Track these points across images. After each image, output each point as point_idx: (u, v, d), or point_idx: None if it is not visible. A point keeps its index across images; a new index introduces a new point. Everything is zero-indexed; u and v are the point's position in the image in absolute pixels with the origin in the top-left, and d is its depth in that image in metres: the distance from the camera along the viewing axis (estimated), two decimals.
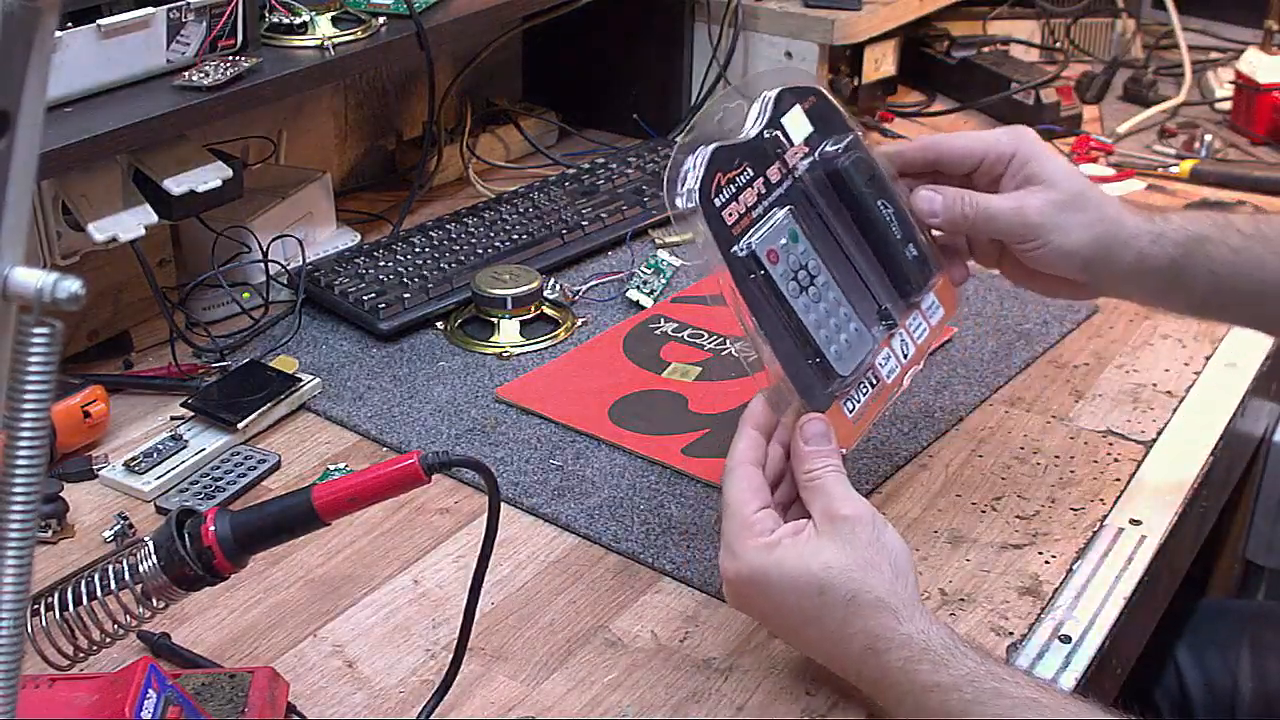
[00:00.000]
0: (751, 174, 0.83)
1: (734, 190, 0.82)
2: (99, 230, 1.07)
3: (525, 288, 1.22)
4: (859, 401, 0.86)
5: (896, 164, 0.92)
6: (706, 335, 1.21)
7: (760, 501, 0.79)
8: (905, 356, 0.90)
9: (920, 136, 0.94)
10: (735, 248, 0.80)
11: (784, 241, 0.83)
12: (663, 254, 1.31)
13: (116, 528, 0.94)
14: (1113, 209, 0.90)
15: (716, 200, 0.80)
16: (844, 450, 0.82)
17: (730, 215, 0.81)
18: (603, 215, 1.39)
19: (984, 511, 0.98)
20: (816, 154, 0.89)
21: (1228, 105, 1.77)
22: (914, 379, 0.91)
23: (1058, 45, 1.95)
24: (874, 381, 0.87)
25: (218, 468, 1.02)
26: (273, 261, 1.24)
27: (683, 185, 0.80)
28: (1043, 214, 0.88)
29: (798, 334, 0.82)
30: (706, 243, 0.79)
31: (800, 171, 0.87)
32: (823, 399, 0.83)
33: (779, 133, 0.87)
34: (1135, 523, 0.98)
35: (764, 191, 0.84)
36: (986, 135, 0.91)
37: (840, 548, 0.75)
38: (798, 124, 0.88)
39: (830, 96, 0.92)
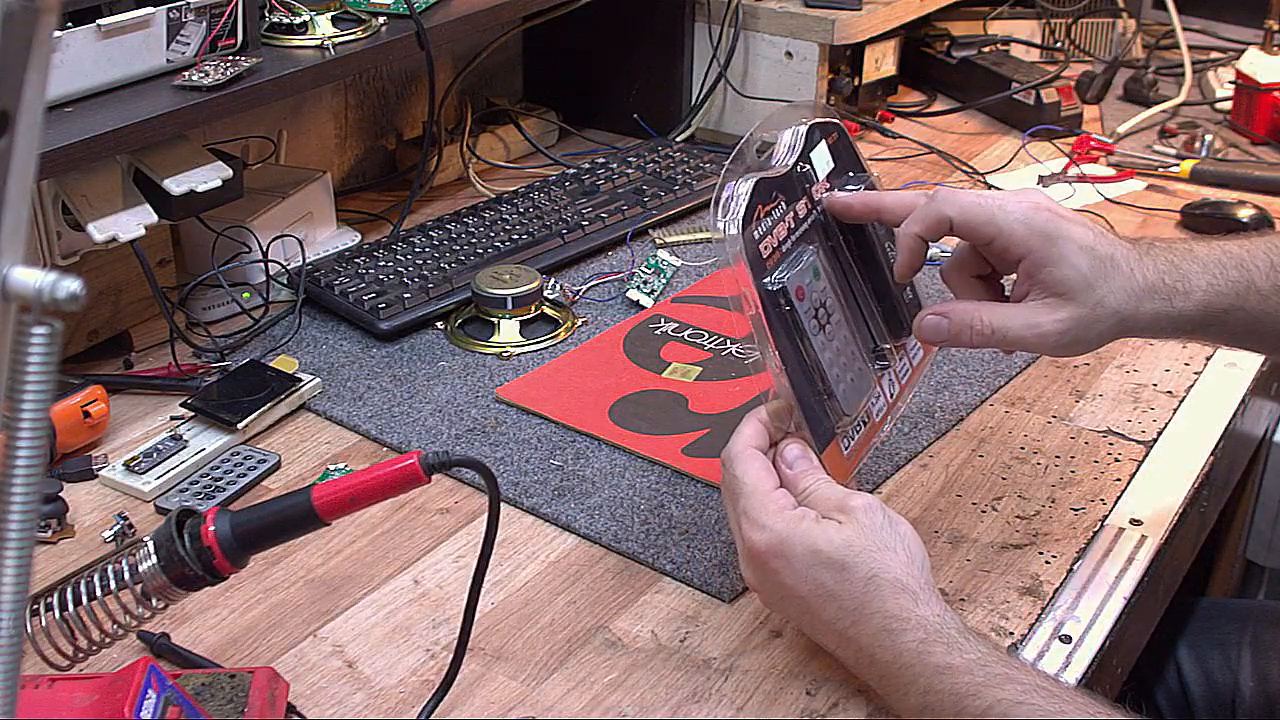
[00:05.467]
0: (784, 207, 0.85)
1: (769, 224, 0.83)
2: (99, 230, 1.07)
3: (525, 288, 1.22)
4: (853, 439, 0.87)
5: (925, 227, 0.86)
6: (707, 335, 1.21)
7: (775, 481, 0.80)
8: (891, 396, 0.92)
9: (935, 194, 0.85)
10: (768, 280, 0.82)
11: (809, 279, 0.84)
12: (663, 254, 1.31)
13: (116, 528, 0.94)
14: (1129, 300, 0.83)
15: (755, 232, 0.81)
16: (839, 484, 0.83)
17: (765, 248, 0.82)
18: (603, 215, 1.39)
19: (984, 511, 0.98)
20: (836, 191, 0.90)
21: (1228, 105, 1.77)
22: (895, 420, 0.93)
23: (1058, 45, 1.95)
24: (866, 421, 0.88)
25: (218, 468, 1.02)
26: (273, 261, 1.24)
27: (725, 214, 0.81)
28: (1061, 336, 0.83)
29: (813, 370, 0.84)
30: (742, 273, 0.80)
31: (823, 207, 0.89)
32: (826, 434, 0.84)
33: (809, 167, 0.88)
34: (1135, 523, 0.98)
35: (793, 226, 0.85)
36: (1002, 221, 0.83)
37: (858, 531, 0.77)
38: (822, 159, 0.90)
39: (849, 135, 0.93)
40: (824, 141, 0.90)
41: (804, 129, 0.89)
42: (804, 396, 0.83)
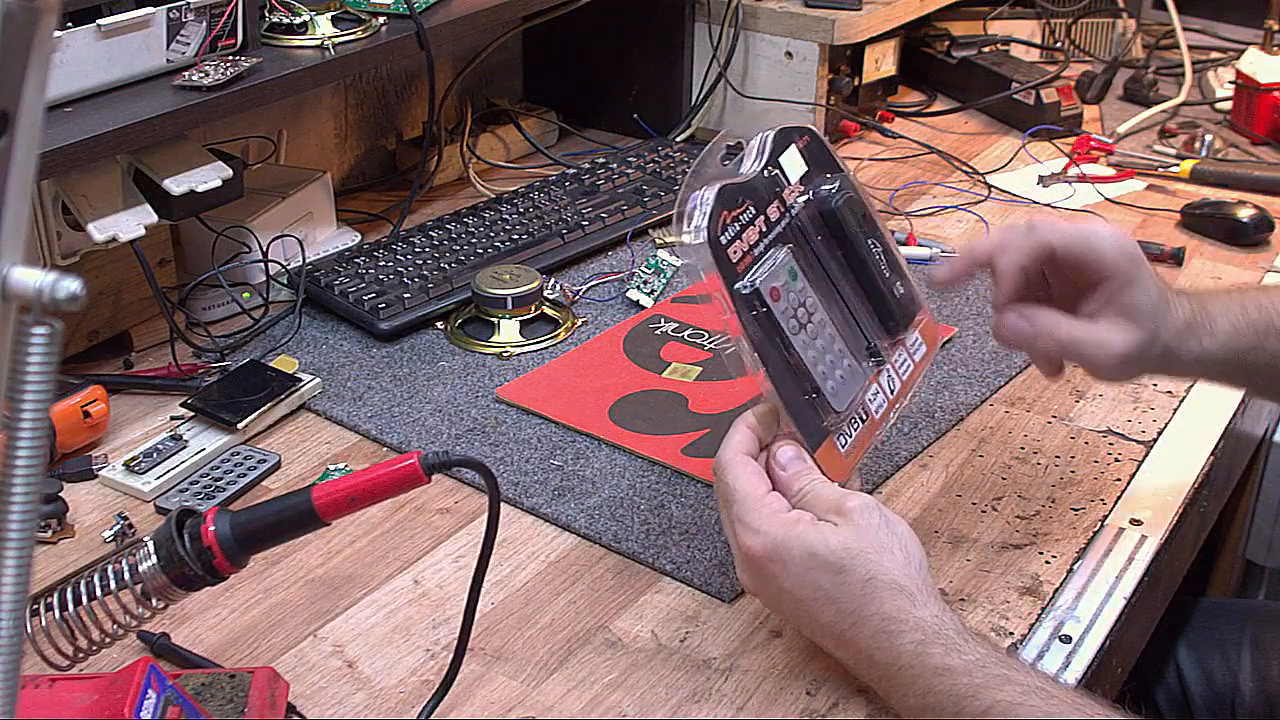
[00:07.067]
0: (753, 212, 0.85)
1: (738, 228, 0.83)
2: (99, 230, 1.07)
3: (525, 288, 1.22)
4: (850, 436, 0.87)
5: (1030, 257, 0.89)
6: (707, 335, 1.21)
7: (767, 486, 0.80)
8: (892, 392, 0.92)
9: (1034, 225, 0.89)
10: (740, 284, 0.82)
11: (784, 280, 0.85)
12: (663, 254, 1.31)
13: (116, 528, 0.94)
14: (1176, 335, 0.89)
15: (723, 238, 0.82)
16: (838, 482, 0.83)
17: (735, 253, 0.82)
18: (603, 215, 1.39)
19: (984, 511, 0.98)
20: (811, 193, 0.90)
21: (1228, 105, 1.77)
22: (898, 414, 0.93)
23: (1058, 45, 1.95)
24: (864, 417, 0.88)
25: (218, 468, 1.02)
26: (273, 261, 1.24)
27: (690, 223, 0.81)
28: (1125, 357, 0.88)
29: (796, 370, 0.84)
30: (713, 279, 0.81)
31: (796, 210, 0.89)
32: (818, 433, 0.84)
33: (778, 171, 0.89)
34: (1135, 523, 0.98)
35: (764, 230, 0.85)
36: (1096, 244, 0.88)
37: (856, 532, 0.77)
38: (794, 163, 0.90)
39: (822, 136, 0.93)
40: (794, 146, 0.90)
41: (770, 134, 0.89)
42: (790, 397, 0.83)
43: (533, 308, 1.23)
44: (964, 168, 1.61)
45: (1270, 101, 1.67)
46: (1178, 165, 1.58)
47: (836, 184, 0.91)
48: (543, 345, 1.20)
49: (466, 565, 0.92)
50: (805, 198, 0.90)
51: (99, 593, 0.71)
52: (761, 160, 0.88)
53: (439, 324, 1.24)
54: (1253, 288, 0.94)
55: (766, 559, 0.78)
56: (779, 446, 0.82)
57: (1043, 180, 1.56)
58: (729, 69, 1.64)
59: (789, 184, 0.89)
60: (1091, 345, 0.88)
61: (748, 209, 0.84)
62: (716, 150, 0.87)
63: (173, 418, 1.09)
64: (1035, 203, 1.51)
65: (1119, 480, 1.02)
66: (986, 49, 1.88)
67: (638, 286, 1.28)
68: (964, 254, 0.92)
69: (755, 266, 0.83)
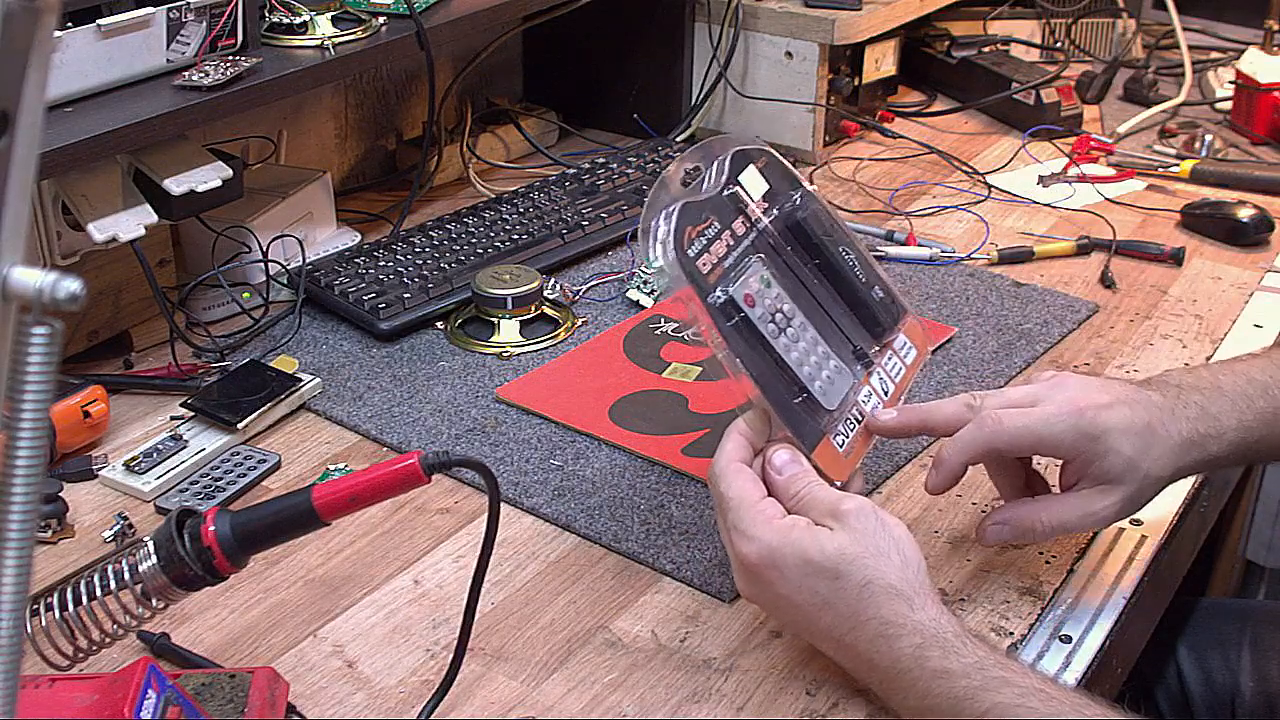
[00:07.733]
0: (719, 227, 0.86)
1: (705, 242, 0.84)
2: (99, 230, 1.07)
3: (525, 288, 1.22)
4: (847, 436, 0.87)
5: (975, 456, 0.87)
6: None
7: (762, 492, 0.80)
8: (886, 394, 0.92)
9: (981, 423, 0.86)
10: (712, 295, 0.82)
11: (758, 287, 0.85)
12: None
13: (116, 528, 0.94)
14: (1170, 462, 0.86)
15: (690, 251, 0.83)
16: (838, 482, 0.83)
17: (704, 265, 0.83)
18: (603, 215, 1.39)
19: (984, 511, 0.98)
20: (776, 208, 0.91)
21: (1228, 105, 1.77)
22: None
23: (1058, 45, 1.95)
24: (859, 418, 0.89)
25: (218, 468, 1.02)
26: (273, 261, 1.24)
27: (656, 240, 0.82)
28: (1116, 515, 0.87)
29: (782, 373, 0.84)
30: (685, 292, 0.81)
31: (763, 225, 0.90)
32: (814, 434, 0.84)
33: (739, 189, 0.90)
34: (1135, 523, 0.98)
35: (732, 243, 0.86)
36: (1048, 436, 0.85)
37: (852, 537, 0.77)
38: (754, 182, 0.91)
39: (779, 156, 0.94)
40: (752, 165, 0.91)
41: (727, 156, 0.90)
42: (779, 400, 0.83)
43: (533, 308, 1.23)
44: (964, 168, 1.61)
45: (1270, 101, 1.67)
46: (1178, 165, 1.58)
47: (799, 197, 0.92)
48: (543, 345, 1.20)
49: (466, 565, 0.92)
50: (771, 213, 0.91)
51: (99, 593, 0.71)
52: (721, 180, 0.88)
53: (439, 324, 1.24)
54: (1259, 364, 0.91)
55: (763, 566, 0.77)
56: (774, 450, 0.82)
57: (1043, 180, 1.56)
58: (729, 69, 1.63)
59: (752, 201, 0.90)
60: (1077, 519, 0.86)
61: (712, 224, 0.85)
62: (675, 175, 0.88)
63: (173, 418, 1.09)
64: (1035, 202, 1.51)
65: None
66: (986, 49, 1.88)
67: (638, 286, 1.28)
68: (923, 415, 0.89)
69: (725, 277, 0.84)
